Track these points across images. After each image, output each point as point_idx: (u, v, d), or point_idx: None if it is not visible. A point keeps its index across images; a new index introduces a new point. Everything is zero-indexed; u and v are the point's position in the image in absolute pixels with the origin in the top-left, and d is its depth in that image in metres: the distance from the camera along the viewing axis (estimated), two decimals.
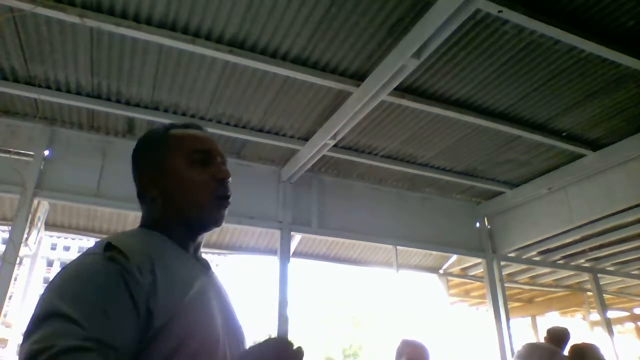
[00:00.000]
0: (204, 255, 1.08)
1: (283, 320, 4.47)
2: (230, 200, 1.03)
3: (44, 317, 0.73)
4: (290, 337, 1.10)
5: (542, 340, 3.66)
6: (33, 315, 0.75)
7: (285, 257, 4.78)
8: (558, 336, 3.62)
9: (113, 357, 0.70)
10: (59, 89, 3.75)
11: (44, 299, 0.77)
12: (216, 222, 1.01)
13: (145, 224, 1.00)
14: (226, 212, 1.03)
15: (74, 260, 0.85)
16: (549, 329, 3.73)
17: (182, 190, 0.98)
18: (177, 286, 0.85)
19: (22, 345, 0.71)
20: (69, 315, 0.71)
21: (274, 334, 4.41)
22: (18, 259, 3.81)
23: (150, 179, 1.01)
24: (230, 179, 1.04)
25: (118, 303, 0.76)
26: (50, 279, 0.83)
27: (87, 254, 0.84)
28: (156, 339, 0.78)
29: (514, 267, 6.96)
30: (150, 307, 0.78)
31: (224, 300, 1.00)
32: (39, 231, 4.29)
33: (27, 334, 0.72)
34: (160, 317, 0.78)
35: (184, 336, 0.80)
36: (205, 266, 1.02)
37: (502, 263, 6.04)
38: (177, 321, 0.80)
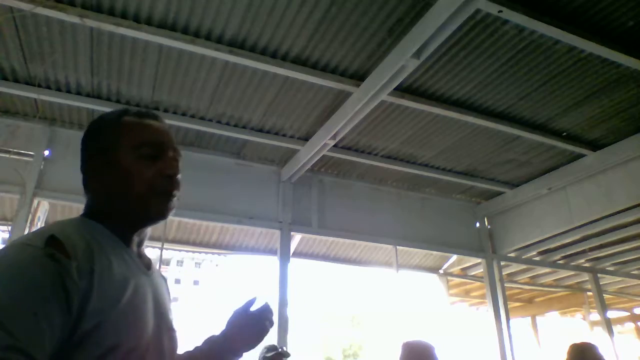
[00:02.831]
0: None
1: (283, 320, 4.48)
2: (177, 195, 0.98)
3: None
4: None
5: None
6: None
7: (285, 257, 4.77)
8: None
9: None
10: (59, 89, 3.75)
11: None
12: (161, 216, 0.97)
13: (88, 214, 0.95)
14: (173, 204, 0.98)
15: (10, 247, 0.78)
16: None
17: (126, 185, 0.92)
18: (112, 289, 0.81)
19: None
20: None
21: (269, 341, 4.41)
22: None
23: (95, 168, 0.95)
24: (179, 175, 0.98)
25: (52, 307, 0.71)
26: None
27: (24, 244, 0.77)
28: (83, 343, 0.74)
29: (514, 267, 6.96)
30: (82, 310, 0.74)
31: (160, 300, 0.97)
32: None
33: None
34: (90, 320, 0.75)
35: (112, 344, 0.77)
36: (146, 263, 0.99)
37: (502, 263, 6.04)
38: (106, 327, 0.77)
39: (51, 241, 0.77)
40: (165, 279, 1.12)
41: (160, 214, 0.96)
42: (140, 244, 0.99)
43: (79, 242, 0.80)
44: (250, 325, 1.12)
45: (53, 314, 0.71)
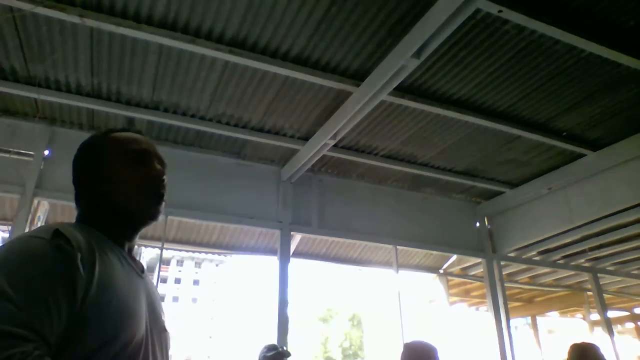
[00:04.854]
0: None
1: (283, 319, 4.48)
2: (165, 196, 1.05)
3: None
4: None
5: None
6: None
7: (285, 257, 4.77)
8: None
9: (46, 353, 0.70)
10: (59, 89, 3.75)
11: None
12: (153, 217, 1.03)
13: (84, 221, 1.01)
14: (162, 207, 1.04)
15: (17, 239, 0.84)
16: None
17: (118, 189, 1.00)
18: (111, 284, 0.86)
19: None
20: (10, 295, 0.71)
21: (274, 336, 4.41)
22: None
23: (88, 179, 1.03)
24: (165, 177, 1.06)
25: (60, 293, 0.76)
26: None
27: (31, 236, 0.83)
28: (84, 332, 0.78)
29: (514, 267, 6.96)
30: (84, 299, 0.79)
31: (153, 301, 1.01)
32: None
33: None
34: (90, 310, 0.79)
35: (110, 335, 0.81)
36: (139, 268, 1.04)
37: (502, 263, 6.04)
38: (106, 318, 0.81)
39: (57, 233, 0.82)
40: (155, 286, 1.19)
41: (151, 214, 1.03)
42: (130, 249, 1.04)
43: (80, 238, 0.86)
44: None
45: (60, 299, 0.76)
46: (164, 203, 1.05)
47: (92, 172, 1.03)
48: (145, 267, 1.09)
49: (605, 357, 2.61)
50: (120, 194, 1.00)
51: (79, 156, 1.07)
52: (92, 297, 0.80)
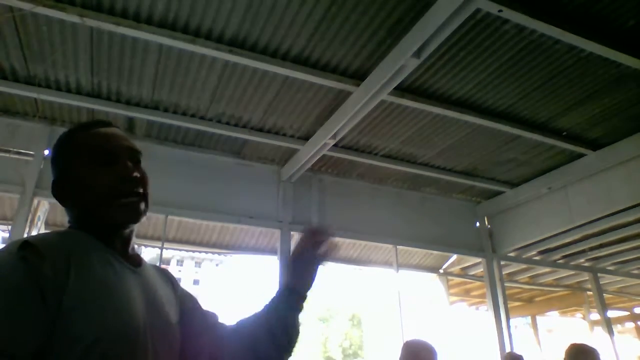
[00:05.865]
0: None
1: None
2: (142, 193, 0.99)
3: None
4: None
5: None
6: None
7: (285, 257, 4.77)
8: None
9: None
10: (59, 89, 3.75)
11: None
12: (132, 218, 0.98)
13: (73, 226, 1.00)
14: (142, 205, 0.99)
15: None
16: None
17: (88, 196, 0.96)
18: (91, 285, 0.84)
19: None
20: None
21: None
22: None
23: (61, 188, 1.00)
24: (136, 174, 0.99)
25: (25, 305, 0.75)
26: None
27: (1, 252, 0.83)
28: (66, 337, 0.77)
29: (514, 267, 6.96)
30: (60, 304, 0.77)
31: (152, 294, 0.98)
32: (38, 231, 4.29)
33: None
34: (69, 315, 0.78)
35: (95, 336, 0.79)
36: (134, 261, 1.01)
37: (502, 262, 6.04)
38: (87, 320, 0.79)
39: (24, 245, 0.81)
40: (167, 274, 1.15)
41: (127, 217, 0.98)
42: (126, 242, 1.01)
43: (54, 244, 0.85)
44: (301, 262, 1.18)
45: (29, 311, 0.74)
46: (141, 199, 0.99)
47: (64, 180, 1.00)
48: (143, 260, 1.05)
49: None
50: (93, 198, 0.96)
51: (51, 164, 1.04)
52: (71, 300, 0.78)
